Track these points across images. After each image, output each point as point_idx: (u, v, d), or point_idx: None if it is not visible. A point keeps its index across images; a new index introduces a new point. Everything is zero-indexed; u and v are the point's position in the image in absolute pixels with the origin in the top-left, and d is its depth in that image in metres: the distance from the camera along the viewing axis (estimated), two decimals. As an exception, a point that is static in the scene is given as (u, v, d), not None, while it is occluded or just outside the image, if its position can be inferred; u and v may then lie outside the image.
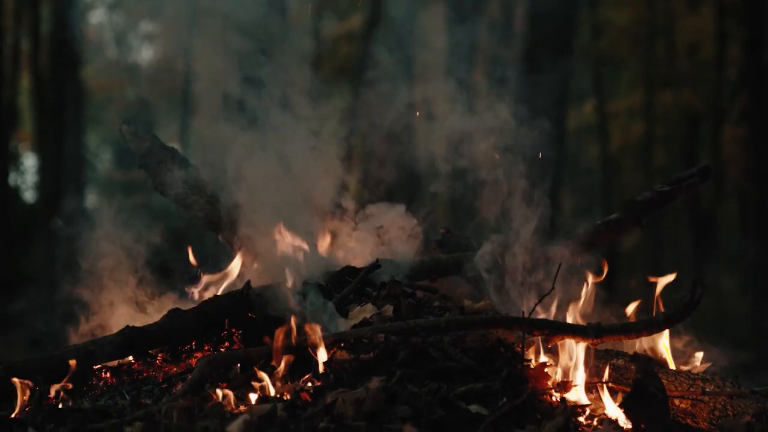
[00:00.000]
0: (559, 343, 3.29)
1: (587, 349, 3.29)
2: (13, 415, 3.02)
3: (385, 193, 4.71)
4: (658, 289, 3.73)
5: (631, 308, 3.79)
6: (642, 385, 2.91)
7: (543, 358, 3.26)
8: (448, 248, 4.57)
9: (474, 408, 2.77)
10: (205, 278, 4.10)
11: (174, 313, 3.57)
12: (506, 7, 15.65)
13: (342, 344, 3.18)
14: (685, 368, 3.74)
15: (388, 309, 3.55)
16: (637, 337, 3.44)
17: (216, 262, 4.23)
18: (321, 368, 3.05)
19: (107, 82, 19.03)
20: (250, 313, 3.57)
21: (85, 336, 4.03)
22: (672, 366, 3.70)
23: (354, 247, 4.44)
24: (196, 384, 3.00)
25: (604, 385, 3.22)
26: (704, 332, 4.00)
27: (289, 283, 3.73)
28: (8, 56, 16.09)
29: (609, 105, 18.43)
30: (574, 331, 3.29)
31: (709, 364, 3.84)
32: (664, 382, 3.16)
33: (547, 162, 4.15)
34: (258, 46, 4.20)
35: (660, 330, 3.47)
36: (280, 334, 3.11)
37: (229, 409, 2.83)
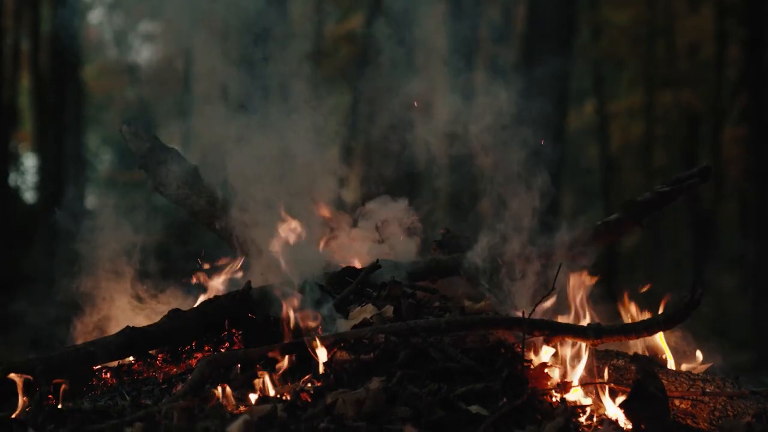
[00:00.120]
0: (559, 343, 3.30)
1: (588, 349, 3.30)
2: (13, 416, 3.02)
3: (385, 189, 4.72)
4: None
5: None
6: (642, 386, 2.91)
7: (545, 357, 3.26)
8: (448, 249, 4.57)
9: (474, 408, 2.77)
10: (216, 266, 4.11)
11: (174, 313, 3.57)
12: (506, 7, 15.66)
13: (342, 345, 3.18)
14: (685, 369, 3.74)
15: (389, 309, 3.55)
16: (637, 337, 3.44)
17: (215, 261, 4.24)
18: (321, 369, 3.05)
19: (107, 82, 19.03)
20: (250, 313, 3.57)
21: (86, 336, 4.03)
22: (672, 366, 3.70)
23: (353, 245, 4.45)
24: (196, 384, 3.00)
25: (606, 386, 3.22)
26: (704, 332, 4.00)
27: (289, 283, 3.73)
28: (8, 56, 16.09)
29: (609, 105, 18.43)
30: (575, 332, 3.29)
31: (709, 365, 3.83)
32: (665, 382, 3.15)
33: (546, 161, 4.14)
34: (259, 43, 4.20)
35: (660, 330, 3.47)
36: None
37: (229, 409, 2.83)
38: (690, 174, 4.31)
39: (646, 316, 3.78)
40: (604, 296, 4.01)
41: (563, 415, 2.77)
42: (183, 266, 4.30)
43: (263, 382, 3.00)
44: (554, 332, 3.27)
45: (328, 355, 3.10)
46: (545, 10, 12.50)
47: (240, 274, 4.13)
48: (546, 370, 3.09)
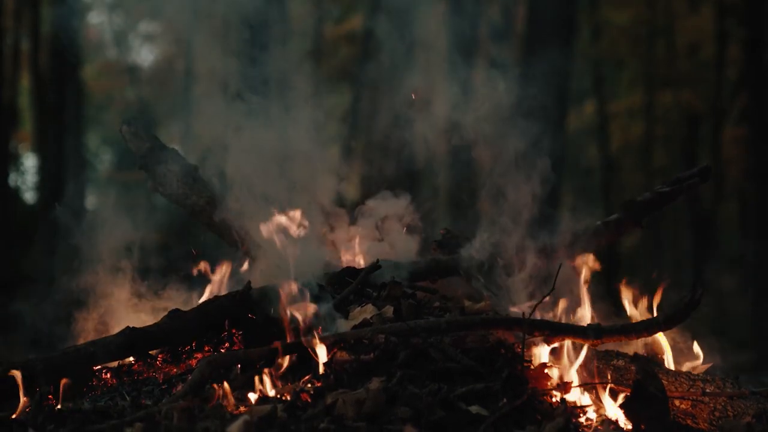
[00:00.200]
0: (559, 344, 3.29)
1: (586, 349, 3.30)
2: (13, 416, 3.02)
3: (385, 187, 4.72)
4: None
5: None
6: (642, 386, 2.91)
7: (545, 357, 3.26)
8: (448, 249, 4.57)
9: (474, 409, 2.77)
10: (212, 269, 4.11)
11: (174, 313, 3.57)
12: (506, 6, 15.65)
13: (342, 345, 3.18)
14: (685, 369, 3.74)
15: (389, 310, 3.55)
16: (638, 338, 3.44)
17: (215, 260, 4.24)
18: (321, 369, 3.05)
19: (107, 82, 19.02)
20: (250, 313, 3.56)
21: (86, 335, 4.03)
22: (672, 367, 3.70)
23: (352, 244, 4.45)
24: (196, 385, 3.00)
25: (606, 386, 3.22)
26: (704, 332, 4.00)
27: (289, 283, 3.72)
28: (8, 56, 16.09)
29: (609, 105, 18.43)
30: (575, 332, 3.29)
31: (709, 365, 3.84)
32: (665, 382, 3.15)
33: (546, 159, 4.14)
34: (258, 41, 4.21)
35: (660, 330, 3.47)
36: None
37: (229, 409, 2.83)
38: (690, 174, 4.32)
39: (645, 302, 3.80)
40: (604, 296, 4.01)
41: (563, 416, 2.77)
42: (183, 265, 4.29)
43: (263, 382, 3.00)
44: (554, 332, 3.27)
45: (328, 355, 3.10)
46: (545, 10, 12.49)
47: (244, 267, 4.13)
48: (546, 370, 3.09)
